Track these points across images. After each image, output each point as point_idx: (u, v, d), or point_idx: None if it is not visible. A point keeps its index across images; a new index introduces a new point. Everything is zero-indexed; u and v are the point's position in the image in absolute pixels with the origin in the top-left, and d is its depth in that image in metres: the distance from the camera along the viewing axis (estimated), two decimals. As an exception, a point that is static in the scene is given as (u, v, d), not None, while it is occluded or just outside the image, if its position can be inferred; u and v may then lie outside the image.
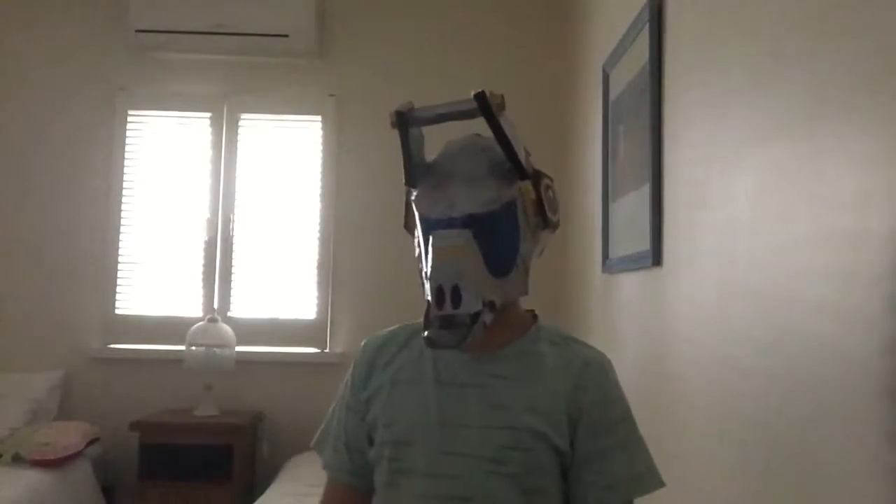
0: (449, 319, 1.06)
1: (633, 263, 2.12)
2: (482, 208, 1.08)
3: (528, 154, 1.15)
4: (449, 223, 1.08)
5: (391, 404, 1.15)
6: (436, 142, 1.22)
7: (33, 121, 3.56)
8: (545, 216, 1.14)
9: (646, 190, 1.98)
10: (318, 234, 3.54)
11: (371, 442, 1.18)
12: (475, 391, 1.11)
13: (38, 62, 3.58)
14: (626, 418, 1.14)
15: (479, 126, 1.09)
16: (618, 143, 2.37)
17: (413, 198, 1.14)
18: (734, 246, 1.43)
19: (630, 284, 2.22)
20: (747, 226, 1.37)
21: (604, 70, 2.54)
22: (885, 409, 0.92)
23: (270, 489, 2.82)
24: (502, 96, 1.09)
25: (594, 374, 1.13)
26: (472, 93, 1.08)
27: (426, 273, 1.07)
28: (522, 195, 1.11)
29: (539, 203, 1.13)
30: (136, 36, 3.42)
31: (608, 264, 2.46)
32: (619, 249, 2.32)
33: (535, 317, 1.21)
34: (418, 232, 1.14)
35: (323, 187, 3.56)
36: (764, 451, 1.28)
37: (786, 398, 1.20)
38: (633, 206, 2.14)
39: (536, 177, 1.15)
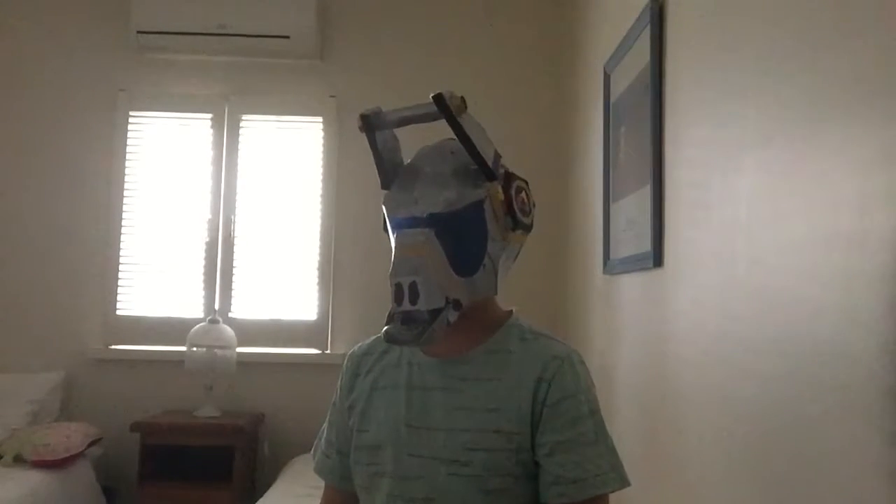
0: (409, 316, 1.07)
1: (634, 265, 2.12)
2: (444, 208, 1.09)
3: (498, 156, 1.15)
4: (413, 222, 1.10)
5: (368, 410, 1.19)
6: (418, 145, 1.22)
7: (35, 122, 3.56)
8: (515, 217, 1.14)
9: (647, 191, 1.98)
10: (318, 235, 3.55)
11: None
12: (440, 394, 1.13)
13: (40, 63, 3.58)
14: (594, 413, 1.11)
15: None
16: (619, 145, 2.37)
17: (383, 200, 1.16)
18: (735, 247, 1.43)
19: (631, 286, 2.22)
20: (748, 227, 1.37)
21: (605, 71, 2.54)
22: (885, 410, 0.93)
23: (271, 490, 2.82)
24: (462, 98, 1.10)
25: (561, 368, 1.11)
26: (431, 95, 1.09)
27: (389, 271, 1.09)
28: (490, 196, 1.12)
29: (508, 204, 1.14)
30: (138, 37, 3.42)
31: (609, 265, 2.46)
32: (620, 251, 2.32)
33: (510, 314, 1.21)
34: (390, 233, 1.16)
35: (324, 188, 3.56)
36: (765, 451, 1.28)
37: (786, 399, 1.20)
38: (633, 207, 2.14)
39: (507, 179, 1.15)
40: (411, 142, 1.24)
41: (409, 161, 1.19)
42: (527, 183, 1.19)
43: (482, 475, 1.08)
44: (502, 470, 1.08)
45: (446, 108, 1.08)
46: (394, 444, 1.13)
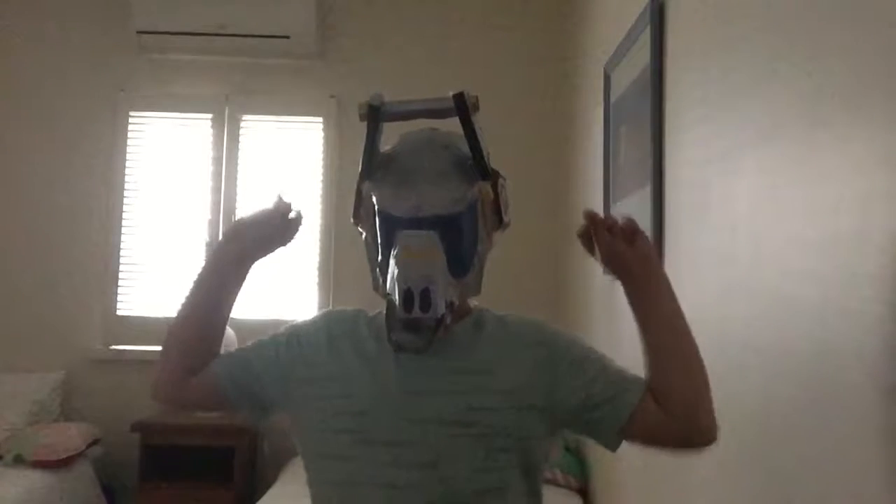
0: (416, 323, 1.04)
1: (634, 265, 2.12)
2: (449, 209, 1.08)
3: (488, 154, 1.14)
4: (416, 223, 1.07)
5: (351, 377, 1.14)
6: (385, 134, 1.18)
7: (35, 122, 3.56)
8: (500, 216, 1.14)
9: (647, 191, 1.97)
10: (318, 235, 3.55)
11: (261, 383, 1.20)
12: (435, 359, 1.11)
13: (40, 64, 3.58)
14: (591, 348, 1.19)
15: (436, 122, 1.09)
16: (619, 145, 2.37)
17: (374, 192, 1.12)
18: (735, 247, 1.43)
19: (631, 286, 2.22)
20: (748, 227, 1.37)
21: (605, 71, 2.54)
22: (885, 410, 0.92)
23: (271, 491, 2.82)
24: (477, 97, 1.09)
25: (544, 332, 1.18)
26: (451, 93, 1.08)
27: (395, 274, 1.05)
28: (482, 195, 1.11)
29: (496, 203, 1.13)
30: (138, 37, 3.42)
31: (609, 265, 2.46)
32: (620, 251, 2.32)
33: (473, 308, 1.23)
34: (376, 227, 1.13)
35: (324, 188, 3.56)
36: (764, 452, 1.28)
37: (786, 399, 1.20)
38: (634, 207, 2.14)
39: (494, 177, 1.14)
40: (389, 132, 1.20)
41: (390, 149, 1.16)
42: (506, 180, 1.18)
43: (486, 434, 1.08)
44: (506, 429, 1.09)
45: (464, 108, 1.07)
46: (386, 410, 1.10)
